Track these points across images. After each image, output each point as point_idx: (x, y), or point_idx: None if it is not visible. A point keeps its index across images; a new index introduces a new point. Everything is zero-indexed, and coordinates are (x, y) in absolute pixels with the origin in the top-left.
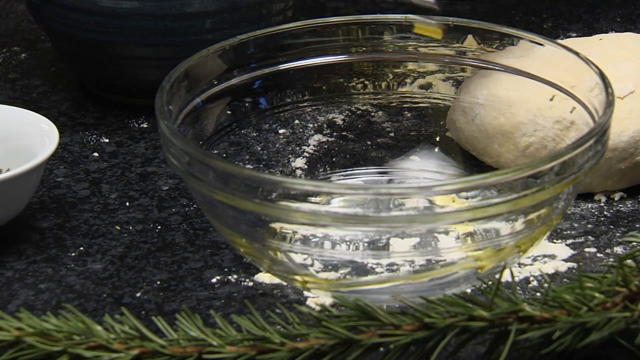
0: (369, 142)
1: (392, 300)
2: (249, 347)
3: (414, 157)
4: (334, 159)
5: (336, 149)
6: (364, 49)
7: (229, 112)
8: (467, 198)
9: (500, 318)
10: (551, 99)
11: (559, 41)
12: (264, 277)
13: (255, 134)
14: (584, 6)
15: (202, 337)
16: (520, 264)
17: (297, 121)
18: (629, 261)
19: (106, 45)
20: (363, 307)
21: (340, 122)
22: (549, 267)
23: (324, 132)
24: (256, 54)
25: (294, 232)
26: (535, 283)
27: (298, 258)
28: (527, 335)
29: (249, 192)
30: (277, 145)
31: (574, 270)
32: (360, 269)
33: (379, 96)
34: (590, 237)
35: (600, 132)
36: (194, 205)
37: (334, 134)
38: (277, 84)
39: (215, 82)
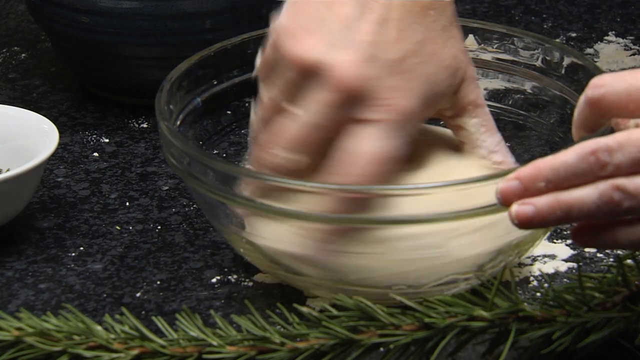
0: None
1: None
2: (249, 347)
3: None
4: None
5: None
6: None
7: (229, 112)
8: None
9: (500, 318)
10: None
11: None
12: (264, 277)
13: None
14: (584, 6)
15: (202, 337)
16: (520, 264)
17: None
18: (629, 261)
19: (106, 45)
20: (363, 307)
21: None
22: (549, 267)
23: None
24: (256, 54)
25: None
26: (535, 283)
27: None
28: (527, 335)
29: None
30: None
31: (574, 270)
32: None
33: None
34: None
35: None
36: (194, 205)
37: None
38: None
39: (215, 82)
